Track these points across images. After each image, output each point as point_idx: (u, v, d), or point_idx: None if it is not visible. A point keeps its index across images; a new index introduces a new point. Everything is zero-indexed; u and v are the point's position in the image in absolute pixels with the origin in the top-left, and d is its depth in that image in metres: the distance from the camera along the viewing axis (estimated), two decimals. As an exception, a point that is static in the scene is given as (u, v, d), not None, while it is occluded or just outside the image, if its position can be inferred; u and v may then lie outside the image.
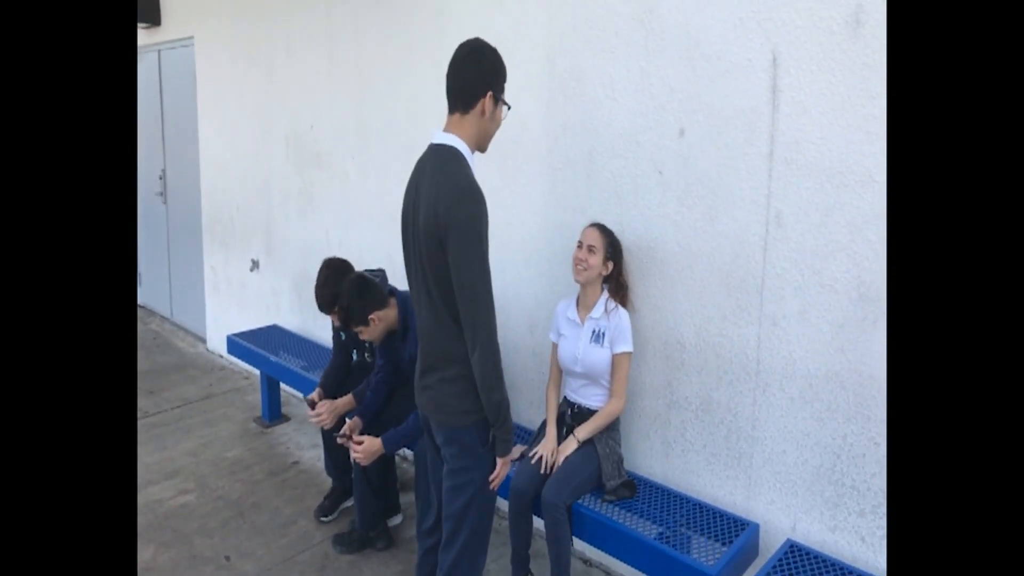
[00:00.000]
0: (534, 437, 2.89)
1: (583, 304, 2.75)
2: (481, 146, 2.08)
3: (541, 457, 2.64)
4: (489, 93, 1.99)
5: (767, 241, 2.39)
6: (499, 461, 2.11)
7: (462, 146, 2.00)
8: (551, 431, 2.73)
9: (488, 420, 2.05)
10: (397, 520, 3.38)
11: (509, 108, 2.11)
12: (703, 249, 2.56)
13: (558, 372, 2.86)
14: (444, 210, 1.88)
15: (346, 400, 3.24)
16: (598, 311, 2.69)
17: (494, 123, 2.06)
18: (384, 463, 3.17)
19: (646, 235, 2.72)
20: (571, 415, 2.77)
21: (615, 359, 2.66)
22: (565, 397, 2.84)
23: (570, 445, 2.64)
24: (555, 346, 2.84)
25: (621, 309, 2.69)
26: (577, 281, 2.71)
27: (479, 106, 1.99)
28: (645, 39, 2.64)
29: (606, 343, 2.66)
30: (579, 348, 2.70)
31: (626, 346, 2.65)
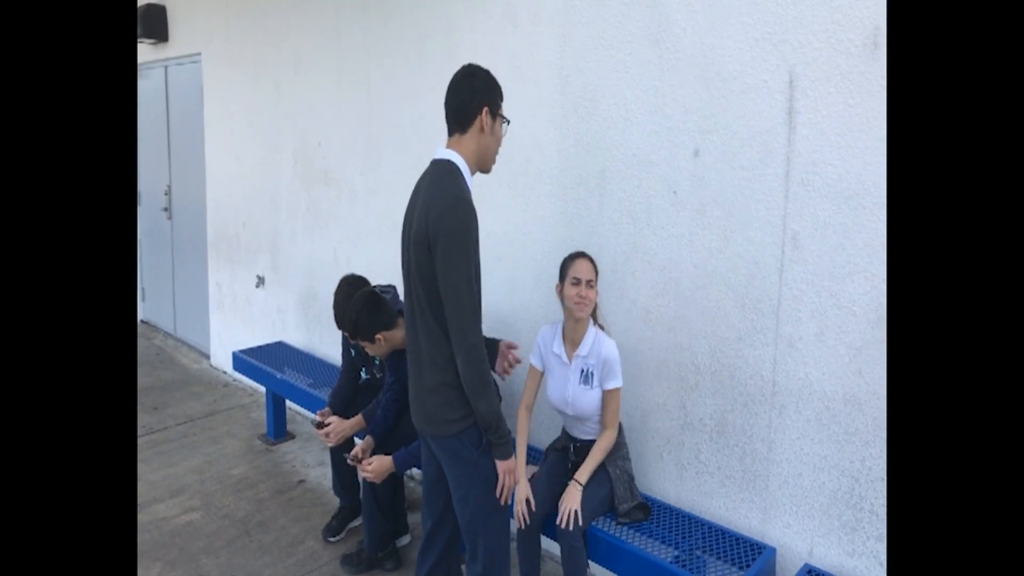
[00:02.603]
0: (542, 460, 2.84)
1: (569, 339, 2.63)
2: (483, 165, 2.14)
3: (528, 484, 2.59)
4: (485, 108, 2.07)
5: (783, 263, 2.39)
6: (499, 467, 2.10)
7: (460, 161, 2.06)
8: (521, 463, 2.58)
9: (478, 425, 2.07)
10: (405, 540, 3.35)
11: (508, 123, 2.17)
12: (718, 270, 2.56)
13: (532, 397, 2.75)
14: (434, 219, 1.95)
15: (355, 421, 3.22)
16: (585, 348, 2.59)
17: (494, 139, 2.12)
18: (393, 483, 3.15)
19: (660, 255, 2.71)
20: (574, 450, 2.71)
21: (605, 396, 2.58)
22: (565, 431, 2.78)
23: (575, 492, 2.50)
24: (534, 371, 2.74)
25: (606, 339, 2.59)
26: (578, 318, 2.57)
27: (477, 123, 2.07)
28: (659, 59, 2.65)
29: (596, 383, 2.58)
30: (568, 391, 2.62)
31: (616, 382, 2.57)
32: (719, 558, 2.39)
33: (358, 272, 3.97)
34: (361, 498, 3.21)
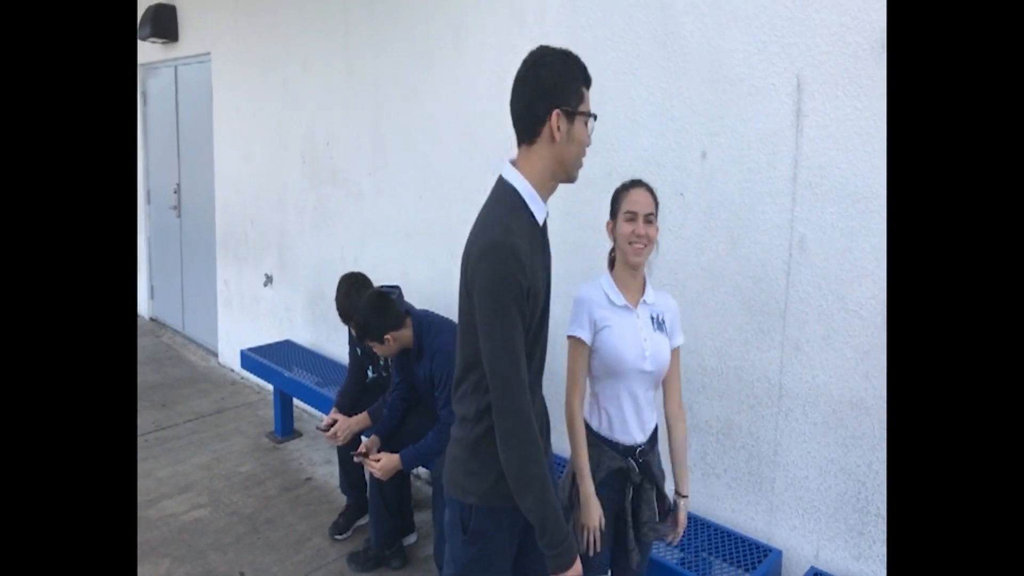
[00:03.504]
0: (565, 503, 2.04)
1: (628, 287, 2.04)
2: (560, 175, 1.65)
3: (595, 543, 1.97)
4: (555, 111, 1.58)
5: (790, 265, 2.39)
6: None
7: (522, 185, 1.62)
8: (589, 491, 1.97)
9: (474, 508, 1.66)
10: (412, 539, 3.37)
11: (594, 118, 1.67)
12: (725, 272, 2.56)
13: (585, 383, 2.06)
14: (472, 263, 1.57)
15: (360, 418, 3.24)
16: (650, 294, 2.07)
17: (574, 144, 1.62)
18: (400, 481, 3.17)
19: (667, 257, 2.72)
20: (640, 466, 2.01)
21: (671, 356, 2.08)
22: (615, 443, 2.03)
23: (685, 510, 2.07)
24: (581, 346, 2.01)
25: (666, 293, 2.18)
26: (635, 264, 2.02)
27: (546, 131, 1.59)
28: (667, 61, 2.65)
29: (667, 333, 2.06)
30: (646, 340, 2.00)
31: (681, 338, 2.13)
32: (725, 560, 2.40)
33: (365, 271, 3.98)
34: (368, 496, 3.23)
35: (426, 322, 3.05)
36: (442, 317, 3.14)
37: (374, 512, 3.14)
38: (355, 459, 3.00)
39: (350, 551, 3.25)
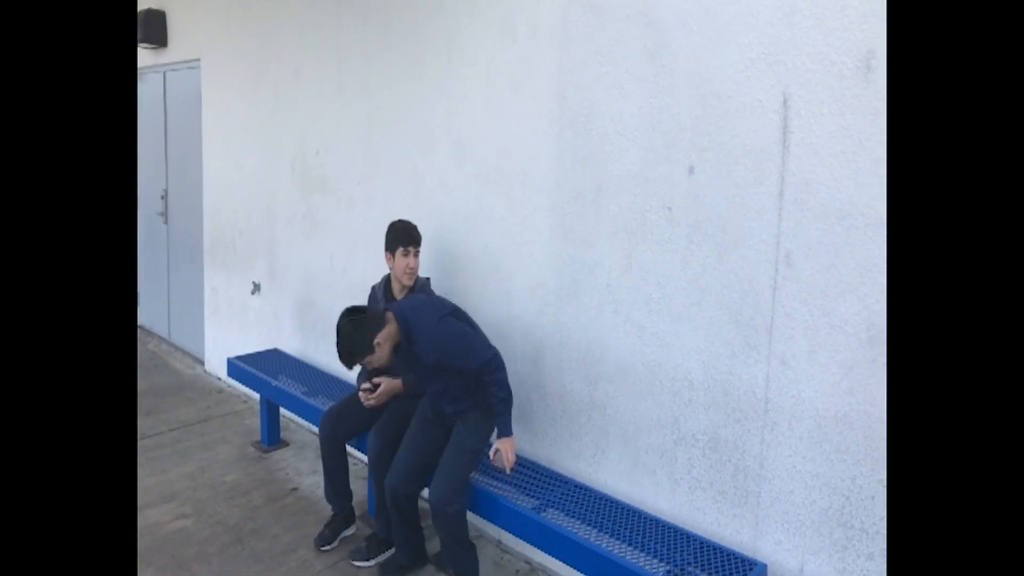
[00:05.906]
0: None
1: None
2: None
3: None
4: None
5: (776, 280, 2.41)
6: None
7: None
8: None
9: None
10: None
11: None
12: (712, 286, 2.57)
13: None
14: None
15: (398, 383, 3.32)
16: None
17: None
18: (410, 500, 3.13)
19: (654, 270, 2.73)
20: None
21: None
22: None
23: None
24: None
25: None
26: None
27: None
28: (656, 76, 2.67)
29: None
30: None
31: None
32: (710, 573, 2.40)
33: (354, 280, 3.98)
34: (389, 520, 3.17)
35: (408, 309, 2.90)
36: (417, 297, 3.03)
37: (401, 533, 3.11)
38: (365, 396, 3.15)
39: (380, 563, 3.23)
